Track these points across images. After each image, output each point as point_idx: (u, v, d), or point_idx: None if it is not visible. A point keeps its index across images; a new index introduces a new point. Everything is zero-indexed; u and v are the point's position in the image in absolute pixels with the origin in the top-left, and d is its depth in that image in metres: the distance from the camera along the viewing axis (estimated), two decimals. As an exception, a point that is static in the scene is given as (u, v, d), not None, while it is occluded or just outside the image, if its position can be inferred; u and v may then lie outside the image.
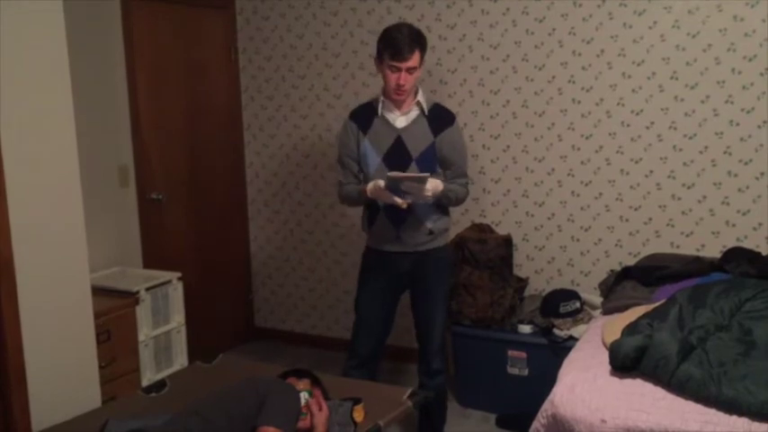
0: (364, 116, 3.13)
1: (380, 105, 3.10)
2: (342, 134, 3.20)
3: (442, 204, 3.14)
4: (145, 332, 3.48)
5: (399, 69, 2.93)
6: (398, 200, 2.92)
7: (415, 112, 3.08)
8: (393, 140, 3.06)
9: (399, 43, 2.92)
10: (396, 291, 3.25)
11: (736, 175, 3.53)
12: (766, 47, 3.38)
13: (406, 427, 3.45)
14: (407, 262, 3.15)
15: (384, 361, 4.13)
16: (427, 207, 3.07)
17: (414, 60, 2.94)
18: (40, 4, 2.49)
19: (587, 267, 3.92)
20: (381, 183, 2.93)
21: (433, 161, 3.07)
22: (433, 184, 2.93)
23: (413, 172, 3.00)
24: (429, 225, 3.11)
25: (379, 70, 3.06)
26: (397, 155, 3.05)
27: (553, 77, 3.83)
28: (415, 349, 3.37)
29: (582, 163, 3.84)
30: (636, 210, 3.76)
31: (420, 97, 3.08)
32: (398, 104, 3.07)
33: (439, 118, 3.09)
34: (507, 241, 3.89)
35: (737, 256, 3.23)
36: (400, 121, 3.08)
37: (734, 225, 3.57)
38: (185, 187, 4.34)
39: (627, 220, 3.79)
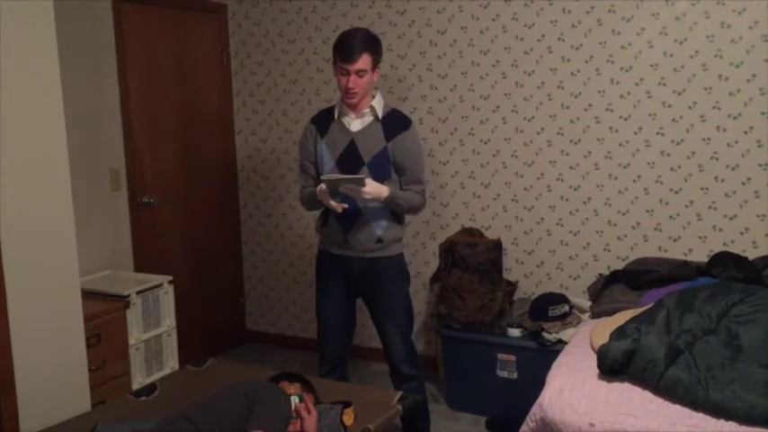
0: (323, 120, 3.14)
1: (338, 109, 3.10)
2: (302, 138, 3.20)
3: (395, 212, 3.11)
4: (135, 336, 3.47)
5: (348, 72, 2.94)
6: (333, 203, 2.93)
7: (369, 117, 3.06)
8: (347, 144, 3.05)
9: (349, 47, 2.93)
10: (351, 294, 3.22)
11: (723, 181, 3.56)
12: (753, 53, 3.41)
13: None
14: (357, 267, 3.12)
15: (375, 364, 4.13)
16: (378, 213, 3.04)
17: (362, 63, 2.93)
18: (30, 6, 2.48)
19: (576, 271, 3.94)
20: (323, 185, 2.93)
21: (386, 166, 3.04)
22: (374, 188, 2.91)
23: (364, 176, 2.96)
24: (378, 232, 3.06)
25: (334, 74, 3.06)
26: (349, 158, 3.04)
27: (542, 83, 3.86)
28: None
29: (571, 168, 3.86)
30: (624, 214, 3.79)
31: (375, 102, 3.06)
32: (354, 108, 3.05)
33: (393, 123, 3.06)
34: (497, 245, 3.90)
35: (724, 261, 3.25)
36: (355, 124, 3.06)
37: (721, 230, 3.60)
38: (177, 191, 4.34)
39: (615, 225, 3.82)
